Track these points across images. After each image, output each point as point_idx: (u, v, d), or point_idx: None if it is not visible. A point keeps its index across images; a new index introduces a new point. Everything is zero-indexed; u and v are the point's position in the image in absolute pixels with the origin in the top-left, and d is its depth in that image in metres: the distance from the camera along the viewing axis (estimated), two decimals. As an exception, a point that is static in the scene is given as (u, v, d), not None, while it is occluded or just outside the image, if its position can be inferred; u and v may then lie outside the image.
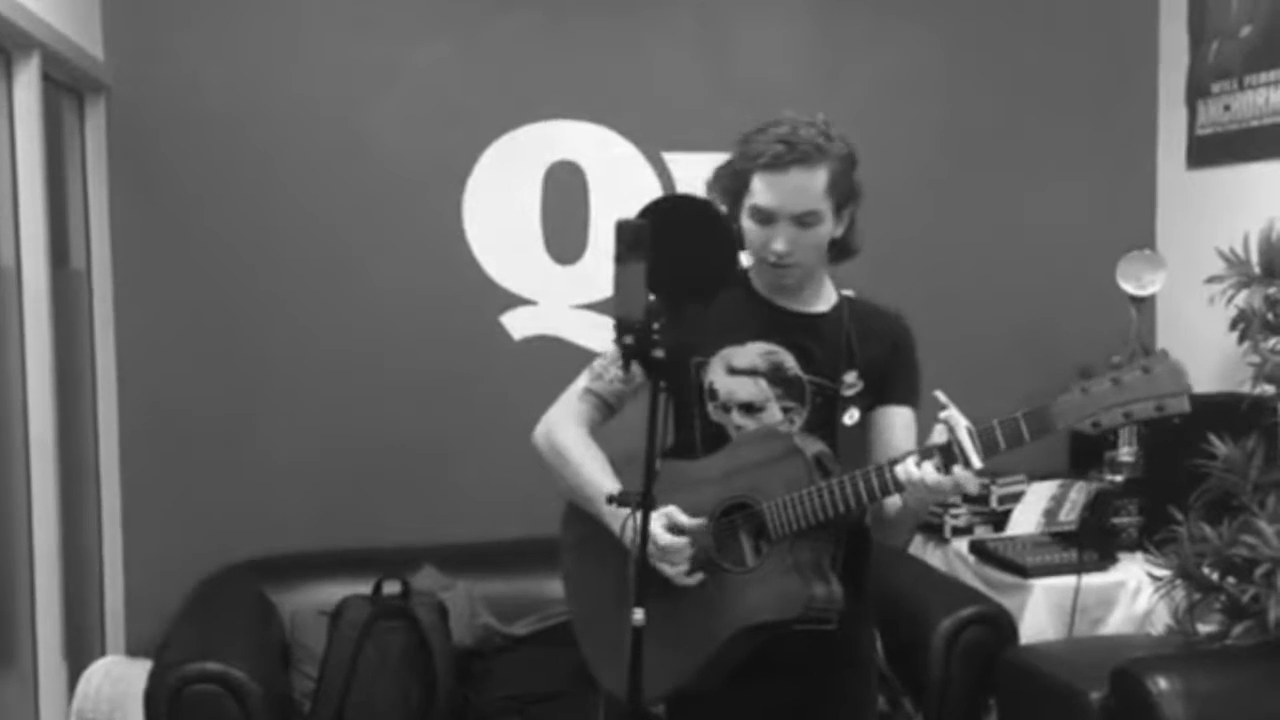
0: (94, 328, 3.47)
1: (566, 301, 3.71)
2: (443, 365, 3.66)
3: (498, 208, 3.67)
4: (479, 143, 3.65)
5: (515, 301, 3.70)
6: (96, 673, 3.17)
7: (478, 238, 3.67)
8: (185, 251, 3.51)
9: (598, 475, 2.13)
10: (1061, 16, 3.99)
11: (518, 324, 3.71)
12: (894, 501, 2.00)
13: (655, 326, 1.77)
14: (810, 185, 2.05)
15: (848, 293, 2.25)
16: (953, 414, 1.85)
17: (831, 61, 3.87)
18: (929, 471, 1.85)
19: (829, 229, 2.11)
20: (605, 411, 2.22)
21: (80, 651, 3.24)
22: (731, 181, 2.11)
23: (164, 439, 3.52)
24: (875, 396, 2.14)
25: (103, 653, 3.42)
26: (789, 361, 2.13)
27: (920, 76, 3.92)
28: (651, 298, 1.79)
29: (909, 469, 1.87)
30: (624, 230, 1.77)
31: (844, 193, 2.11)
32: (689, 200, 2.06)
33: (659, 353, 1.78)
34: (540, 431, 2.24)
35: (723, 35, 3.80)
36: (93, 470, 3.47)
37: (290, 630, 3.25)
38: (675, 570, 2.02)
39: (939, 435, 1.86)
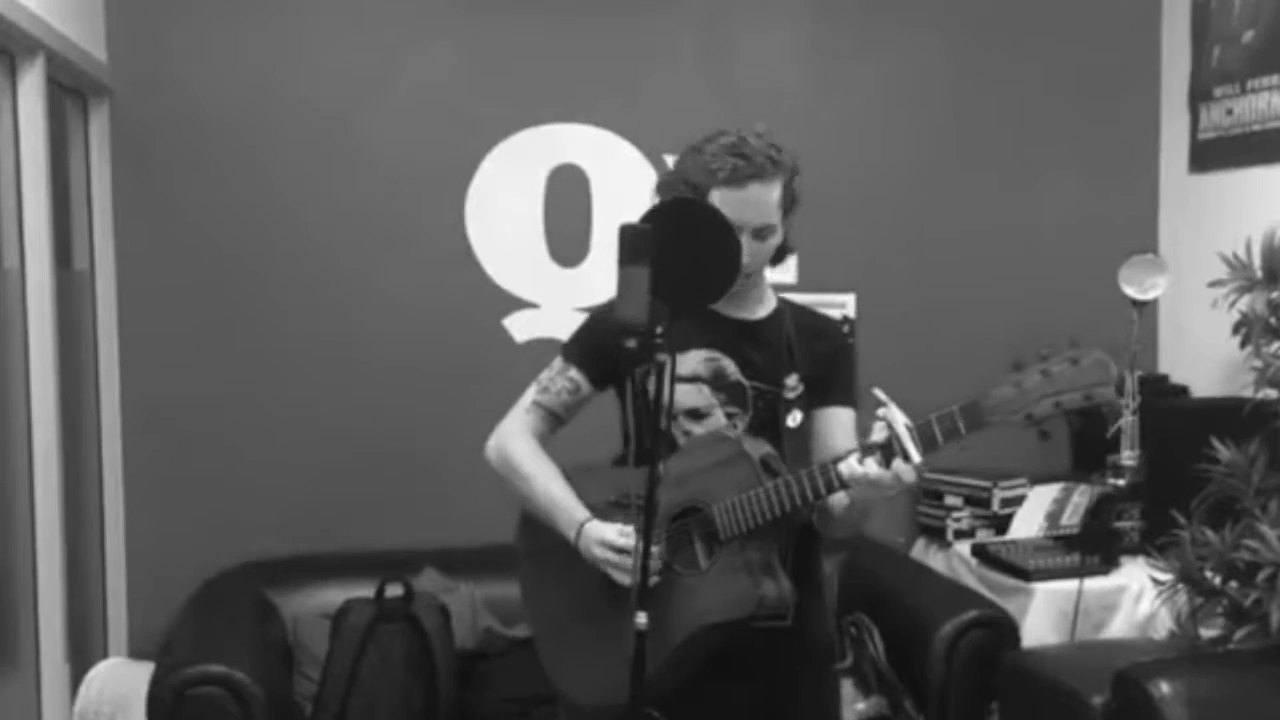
0: (97, 329, 3.47)
1: (569, 305, 3.70)
2: (445, 368, 3.66)
3: (500, 211, 3.68)
4: (482, 146, 3.66)
5: (517, 304, 3.70)
6: (99, 675, 3.17)
7: (480, 241, 3.68)
8: (188, 253, 3.52)
9: (551, 486, 2.16)
10: (1063, 21, 3.99)
11: (520, 327, 3.71)
12: (839, 499, 2.03)
13: (658, 330, 1.78)
14: (768, 199, 2.09)
15: (786, 297, 2.27)
16: (891, 411, 1.89)
17: (833, 65, 3.87)
18: (871, 467, 1.89)
19: (779, 239, 2.15)
20: (554, 423, 2.24)
21: (83, 654, 3.24)
22: (689, 193, 2.10)
23: (166, 440, 3.52)
24: (815, 398, 2.17)
25: (105, 655, 3.42)
26: (730, 367, 2.16)
27: (922, 80, 3.92)
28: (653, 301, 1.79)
29: (852, 466, 1.91)
30: (627, 234, 1.77)
31: (790, 203, 2.15)
32: (693, 204, 2.07)
33: (662, 356, 1.79)
34: (491, 445, 2.27)
35: (724, 39, 3.81)
36: (95, 472, 3.47)
37: (292, 633, 3.25)
38: (626, 578, 2.03)
39: (879, 433, 1.90)
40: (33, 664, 2.96)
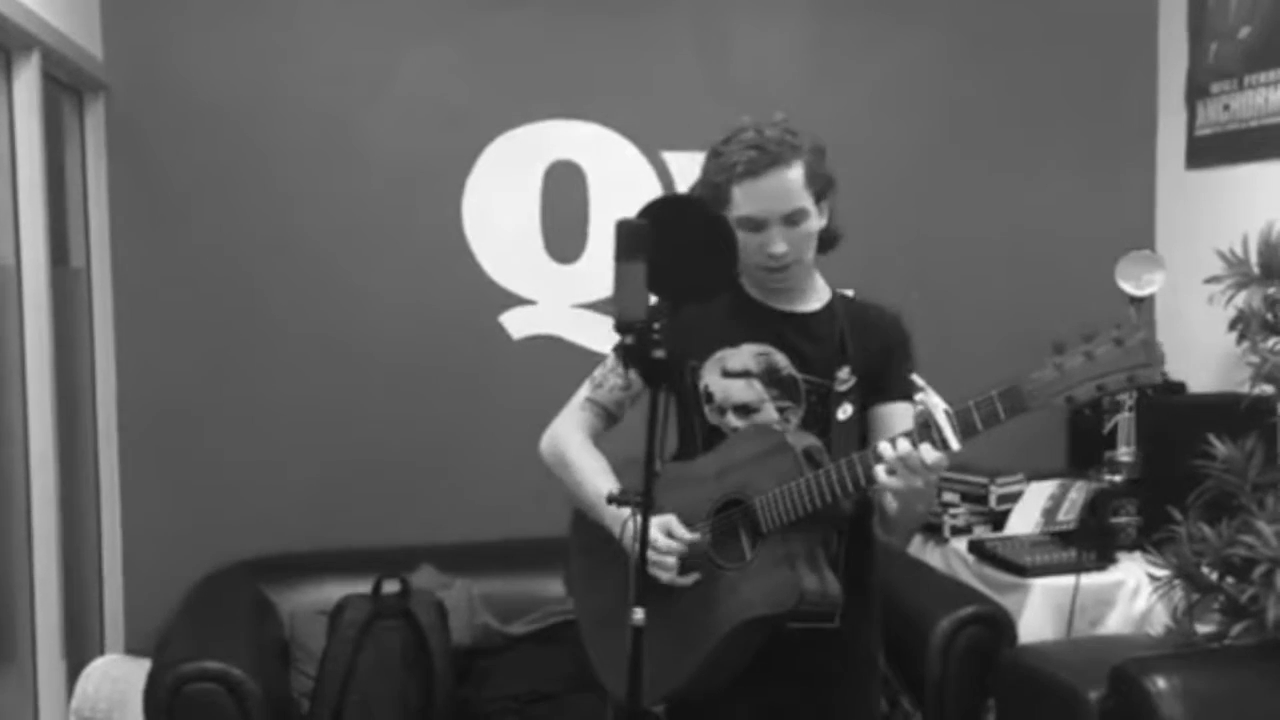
0: (93, 326, 3.47)
1: (566, 301, 3.71)
2: (442, 365, 3.66)
3: (497, 207, 3.68)
4: (478, 142, 3.66)
5: (514, 301, 3.70)
6: (95, 672, 3.17)
7: (477, 237, 3.67)
8: (184, 250, 3.52)
9: (598, 479, 2.16)
10: (1061, 17, 3.99)
11: (517, 324, 3.71)
12: (891, 499, 2.00)
13: (655, 327, 1.77)
14: (789, 183, 2.06)
15: (845, 292, 2.26)
16: (929, 396, 1.89)
17: (831, 61, 3.87)
18: (903, 445, 1.86)
19: (815, 222, 2.12)
20: (607, 419, 2.25)
21: (79, 650, 3.24)
22: (712, 195, 2.10)
23: (163, 437, 3.52)
24: (872, 393, 2.15)
25: (102, 652, 3.42)
26: (782, 362, 2.14)
27: (919, 77, 3.92)
28: (652, 298, 1.79)
29: (886, 449, 1.88)
30: (624, 230, 1.77)
31: (821, 183, 2.12)
32: (689, 200, 2.06)
33: (659, 353, 1.78)
34: (545, 442, 2.27)
35: (722, 34, 3.81)
36: (92, 469, 3.47)
37: (289, 629, 3.25)
38: (666, 576, 2.03)
39: (917, 419, 1.89)
40: (29, 660, 2.96)
